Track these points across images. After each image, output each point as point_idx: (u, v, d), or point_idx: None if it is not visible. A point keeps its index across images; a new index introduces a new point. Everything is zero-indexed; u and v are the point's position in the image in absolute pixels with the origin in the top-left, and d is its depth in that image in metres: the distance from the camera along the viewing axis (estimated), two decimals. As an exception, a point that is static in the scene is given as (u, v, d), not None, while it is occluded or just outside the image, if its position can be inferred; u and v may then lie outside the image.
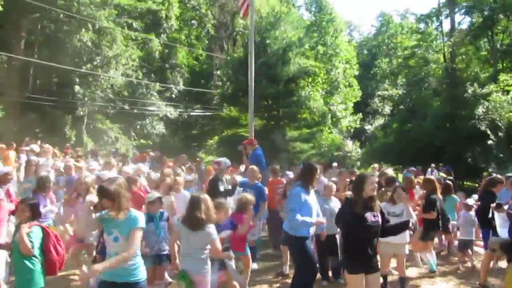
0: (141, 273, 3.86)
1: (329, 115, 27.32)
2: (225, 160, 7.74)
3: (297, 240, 5.55)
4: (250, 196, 6.13)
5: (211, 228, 4.67)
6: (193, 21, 35.57)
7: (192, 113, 33.42)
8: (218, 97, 29.47)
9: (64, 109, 23.37)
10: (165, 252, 5.76)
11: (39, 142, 15.38)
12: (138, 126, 28.95)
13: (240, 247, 5.92)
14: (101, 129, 25.42)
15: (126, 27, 25.71)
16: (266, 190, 8.31)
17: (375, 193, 4.65)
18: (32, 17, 22.14)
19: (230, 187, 7.43)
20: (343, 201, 5.92)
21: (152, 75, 29.86)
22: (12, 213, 5.73)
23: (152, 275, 5.54)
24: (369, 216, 4.49)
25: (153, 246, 5.68)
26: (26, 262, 4.44)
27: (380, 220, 4.60)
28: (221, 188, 7.29)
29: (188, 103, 33.76)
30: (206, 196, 4.91)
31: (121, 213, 3.69)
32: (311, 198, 5.62)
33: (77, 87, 23.52)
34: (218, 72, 33.76)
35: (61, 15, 21.84)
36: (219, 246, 4.73)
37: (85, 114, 24.39)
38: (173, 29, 30.56)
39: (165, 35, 29.96)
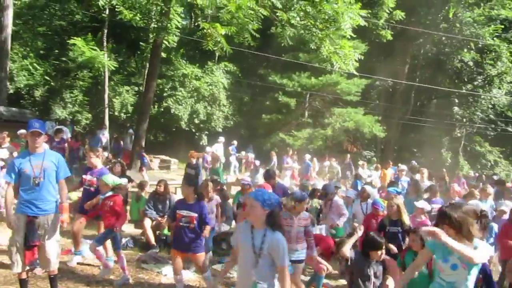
0: None
1: None
2: None
3: None
4: None
5: None
6: None
7: None
8: None
9: (441, 130, 23.58)
10: None
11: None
12: (523, 150, 25.98)
13: None
14: (479, 152, 24.20)
15: (513, 42, 23.61)
16: None
17: None
18: (416, 43, 23.46)
19: None
20: None
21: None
22: None
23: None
24: None
25: None
26: None
27: None
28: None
29: None
30: None
31: (465, 243, 3.41)
32: None
33: (456, 108, 23.36)
34: None
35: (443, 37, 22.18)
36: None
37: (462, 135, 23.88)
38: None
39: None
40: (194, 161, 11.27)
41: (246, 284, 3.37)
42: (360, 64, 13.99)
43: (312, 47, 10.83)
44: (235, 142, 17.93)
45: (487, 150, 24.19)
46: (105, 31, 18.39)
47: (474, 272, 3.49)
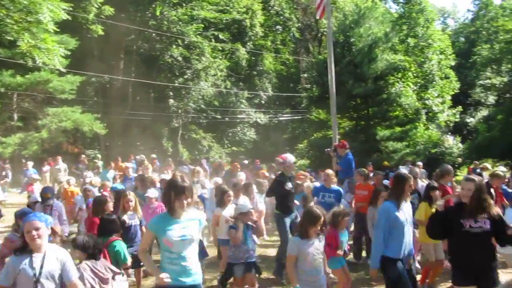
0: None
1: (424, 110, 25.90)
2: (290, 157, 7.53)
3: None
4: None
5: None
6: (277, 27, 35.87)
7: (281, 118, 33.62)
8: (306, 100, 29.36)
9: (161, 122, 24.82)
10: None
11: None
12: (230, 134, 29.78)
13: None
14: (195, 139, 26.57)
15: (213, 40, 26.64)
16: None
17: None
18: (128, 39, 23.81)
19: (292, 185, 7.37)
20: None
21: (241, 83, 30.55)
22: None
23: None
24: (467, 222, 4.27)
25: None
26: None
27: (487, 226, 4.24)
28: (287, 187, 7.20)
29: (277, 108, 34.04)
30: None
31: None
32: (402, 214, 4.87)
33: (171, 101, 24.92)
34: (305, 75, 33.65)
35: (153, 34, 23.24)
36: None
37: (179, 125, 25.73)
38: (258, 36, 31.06)
39: (251, 43, 30.53)
40: None
41: None
42: (72, 60, 13.39)
43: (10, 39, 9.73)
44: None
45: (202, 136, 26.79)
46: None
47: None
